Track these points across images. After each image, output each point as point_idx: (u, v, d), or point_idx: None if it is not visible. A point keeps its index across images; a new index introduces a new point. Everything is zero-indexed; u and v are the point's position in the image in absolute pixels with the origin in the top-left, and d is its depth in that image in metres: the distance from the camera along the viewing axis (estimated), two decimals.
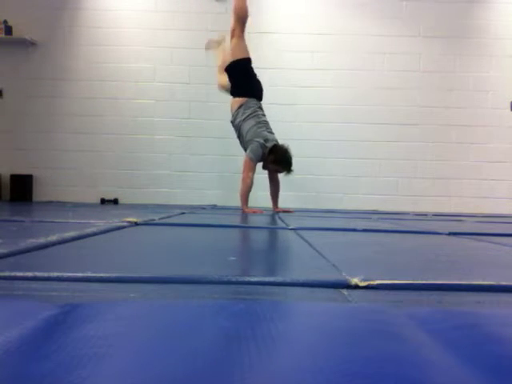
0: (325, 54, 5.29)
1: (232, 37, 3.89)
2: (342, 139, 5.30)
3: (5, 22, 5.12)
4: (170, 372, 0.36)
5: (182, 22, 5.27)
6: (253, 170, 3.72)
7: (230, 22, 5.27)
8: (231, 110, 3.94)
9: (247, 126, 3.78)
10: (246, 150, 3.82)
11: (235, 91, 3.92)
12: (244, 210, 3.65)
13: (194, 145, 5.30)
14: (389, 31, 5.29)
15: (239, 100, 3.85)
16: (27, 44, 5.20)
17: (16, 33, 5.14)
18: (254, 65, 4.07)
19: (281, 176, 4.02)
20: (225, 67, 3.96)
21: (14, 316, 0.49)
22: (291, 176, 5.31)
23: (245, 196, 3.71)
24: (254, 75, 3.94)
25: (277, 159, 3.77)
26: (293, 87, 5.27)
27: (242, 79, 3.89)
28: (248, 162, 3.70)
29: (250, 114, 3.81)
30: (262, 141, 3.73)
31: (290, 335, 0.45)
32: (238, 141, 5.44)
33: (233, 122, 3.92)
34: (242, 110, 3.81)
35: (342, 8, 5.29)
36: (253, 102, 3.88)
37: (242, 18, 3.84)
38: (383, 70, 5.31)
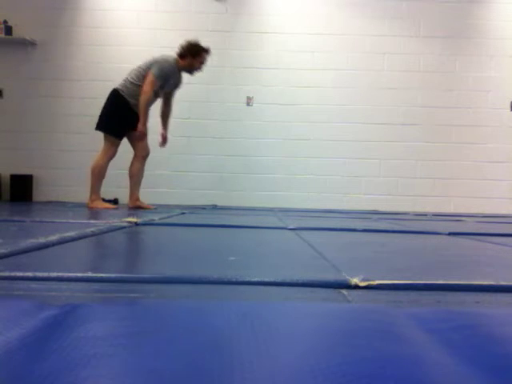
0: (325, 54, 5.29)
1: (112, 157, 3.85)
2: (342, 139, 5.30)
3: (5, 22, 5.12)
4: (169, 372, 0.36)
5: (182, 22, 5.27)
6: (154, 85, 3.64)
7: (229, 21, 5.28)
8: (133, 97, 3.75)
9: (139, 78, 3.67)
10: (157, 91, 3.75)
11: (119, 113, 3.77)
12: (140, 127, 3.63)
13: (194, 145, 5.30)
14: (389, 31, 5.30)
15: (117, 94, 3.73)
16: (27, 44, 5.20)
17: (16, 33, 5.14)
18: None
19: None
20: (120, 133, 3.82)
21: (14, 316, 0.49)
22: (291, 176, 5.32)
23: (145, 110, 3.65)
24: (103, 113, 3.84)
25: (194, 53, 3.73)
26: (293, 87, 5.27)
27: (112, 112, 3.76)
28: (151, 77, 3.61)
29: (127, 82, 3.73)
30: (164, 57, 3.69)
31: (289, 335, 0.45)
32: (237, 141, 5.45)
33: (129, 101, 3.72)
34: (129, 96, 3.70)
35: (342, 8, 5.29)
36: (117, 88, 3.76)
37: (103, 175, 3.92)
38: (383, 69, 5.31)
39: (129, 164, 3.91)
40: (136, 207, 3.81)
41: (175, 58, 3.74)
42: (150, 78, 3.62)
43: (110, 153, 3.76)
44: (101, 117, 3.78)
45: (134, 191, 3.89)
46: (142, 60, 3.79)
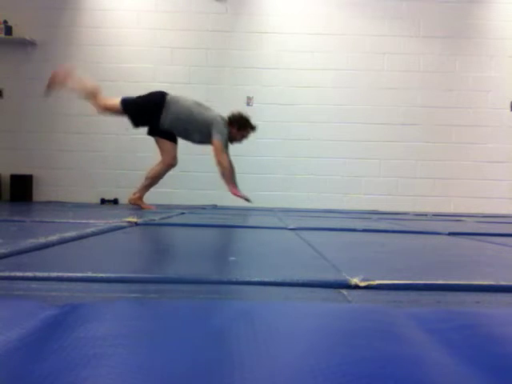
0: (325, 54, 5.29)
1: (105, 110, 3.74)
2: (342, 139, 5.30)
3: (5, 22, 5.12)
4: (170, 372, 0.36)
5: (182, 22, 5.27)
6: (225, 150, 3.68)
7: (229, 21, 5.28)
8: (166, 123, 3.69)
9: (192, 112, 3.65)
10: (203, 137, 3.73)
11: (154, 115, 3.69)
12: (232, 191, 3.66)
13: (194, 145, 5.29)
14: (389, 31, 5.30)
15: (163, 106, 3.66)
16: (27, 44, 5.20)
17: (16, 33, 5.15)
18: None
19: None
20: (124, 113, 3.75)
21: (14, 316, 0.49)
22: (291, 176, 5.32)
23: (229, 178, 3.69)
24: (140, 96, 3.77)
25: (240, 126, 3.76)
26: (293, 87, 5.27)
27: (143, 104, 3.70)
28: (219, 144, 3.63)
29: (182, 102, 3.68)
30: (220, 118, 3.69)
31: (289, 335, 0.45)
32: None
33: (163, 125, 3.68)
34: (169, 109, 3.64)
35: (342, 8, 5.29)
36: (169, 98, 3.70)
37: (96, 95, 3.70)
38: (383, 69, 5.31)
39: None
40: (136, 205, 3.80)
41: (227, 122, 3.75)
42: (219, 146, 3.63)
43: (114, 110, 3.71)
44: (136, 98, 3.74)
45: (141, 190, 3.84)
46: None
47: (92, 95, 3.72)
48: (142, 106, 3.70)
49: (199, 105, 3.76)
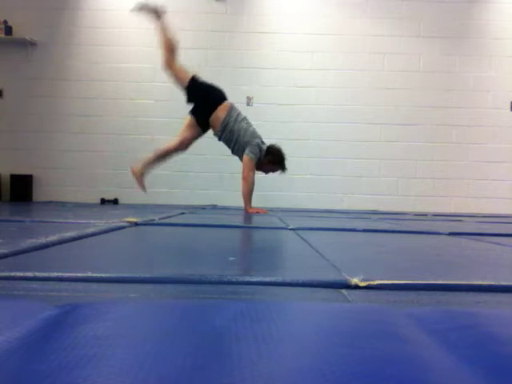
0: (324, 54, 5.29)
1: (169, 68, 3.74)
2: (342, 139, 5.30)
3: (5, 22, 5.13)
4: (169, 372, 0.36)
5: (182, 22, 5.27)
6: (253, 169, 3.71)
7: (229, 21, 5.29)
8: (216, 123, 3.71)
9: (242, 126, 3.71)
10: (238, 150, 3.77)
11: (208, 106, 3.73)
12: (247, 210, 3.64)
13: (194, 145, 5.29)
14: (389, 31, 5.30)
15: (222, 108, 3.70)
16: (27, 44, 5.20)
17: (16, 33, 5.15)
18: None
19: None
20: (185, 88, 3.76)
21: (14, 316, 0.49)
22: (291, 176, 5.32)
23: (248, 196, 3.69)
24: (208, 84, 3.80)
25: (275, 160, 3.78)
26: (293, 87, 5.28)
27: (207, 92, 3.72)
28: (249, 162, 3.67)
29: (239, 116, 3.75)
30: (259, 141, 3.74)
31: (290, 335, 0.45)
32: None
33: (222, 131, 3.72)
34: (231, 116, 3.69)
35: (341, 8, 5.29)
36: (232, 104, 3.78)
37: (172, 50, 3.72)
38: (383, 69, 5.31)
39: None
40: (137, 179, 3.89)
41: (263, 148, 3.74)
42: (248, 163, 3.65)
43: (180, 79, 3.78)
44: (205, 85, 3.78)
45: (146, 164, 3.92)
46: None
47: (169, 48, 3.72)
48: (205, 96, 3.71)
49: (247, 123, 3.79)
